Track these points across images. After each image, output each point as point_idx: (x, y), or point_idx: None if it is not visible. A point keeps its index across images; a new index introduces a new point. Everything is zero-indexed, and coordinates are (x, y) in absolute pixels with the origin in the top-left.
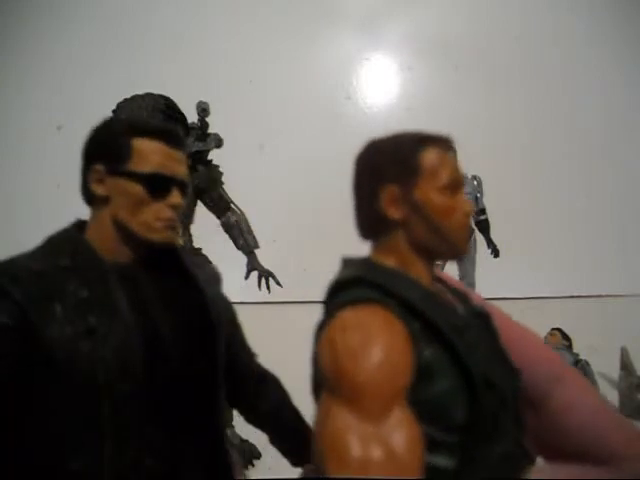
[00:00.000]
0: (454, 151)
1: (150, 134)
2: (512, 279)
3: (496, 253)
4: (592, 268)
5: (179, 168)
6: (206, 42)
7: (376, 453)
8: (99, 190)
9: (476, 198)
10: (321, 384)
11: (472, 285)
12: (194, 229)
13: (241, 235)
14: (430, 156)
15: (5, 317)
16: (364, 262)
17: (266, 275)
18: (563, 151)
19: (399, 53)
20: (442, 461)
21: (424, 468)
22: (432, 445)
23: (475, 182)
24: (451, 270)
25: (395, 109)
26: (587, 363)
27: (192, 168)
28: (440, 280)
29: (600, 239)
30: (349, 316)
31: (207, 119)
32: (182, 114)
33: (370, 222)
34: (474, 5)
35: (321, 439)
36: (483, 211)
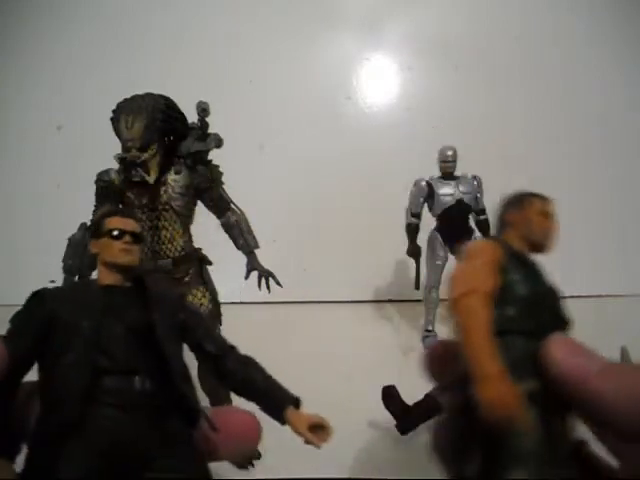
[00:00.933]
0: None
1: (111, 215)
2: None
3: None
4: (592, 268)
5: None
6: (206, 42)
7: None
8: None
9: (476, 198)
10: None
11: None
12: (194, 229)
13: (241, 235)
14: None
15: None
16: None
17: (266, 275)
18: (563, 151)
19: (399, 53)
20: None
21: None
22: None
23: (475, 182)
24: (451, 270)
25: (395, 109)
26: None
27: (192, 168)
28: None
29: (600, 239)
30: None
31: (207, 119)
32: (182, 114)
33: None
34: (474, 5)
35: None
36: (483, 211)
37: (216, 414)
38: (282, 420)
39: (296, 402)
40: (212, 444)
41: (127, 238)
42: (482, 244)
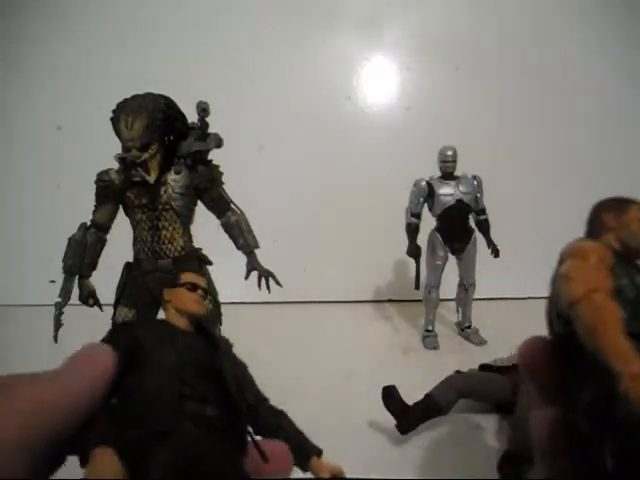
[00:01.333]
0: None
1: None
2: (512, 279)
3: (496, 253)
4: None
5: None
6: (206, 42)
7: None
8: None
9: (476, 198)
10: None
11: (472, 285)
12: (194, 229)
13: (241, 235)
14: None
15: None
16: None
17: (266, 275)
18: (563, 151)
19: (399, 53)
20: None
21: None
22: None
23: (475, 182)
24: (451, 270)
25: (395, 109)
26: None
27: (192, 168)
28: None
29: None
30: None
31: (207, 119)
32: (182, 114)
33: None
34: (474, 5)
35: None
36: (483, 211)
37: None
38: (305, 467)
39: (319, 452)
40: (254, 472)
41: (199, 292)
42: (592, 244)
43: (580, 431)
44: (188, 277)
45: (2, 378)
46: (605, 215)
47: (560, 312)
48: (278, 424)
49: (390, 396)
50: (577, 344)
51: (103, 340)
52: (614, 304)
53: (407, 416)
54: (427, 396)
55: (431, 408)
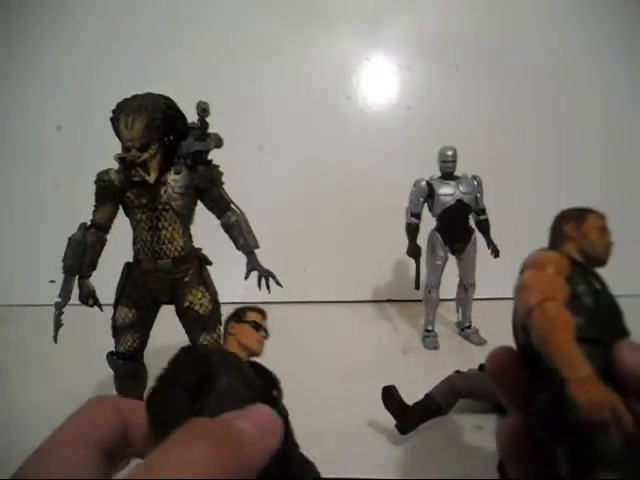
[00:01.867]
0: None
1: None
2: (512, 279)
3: (496, 253)
4: None
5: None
6: (206, 42)
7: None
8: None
9: (476, 198)
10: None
11: (472, 285)
12: (194, 229)
13: (241, 235)
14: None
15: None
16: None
17: (266, 275)
18: (564, 151)
19: (399, 53)
20: (578, 321)
21: None
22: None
23: (475, 182)
24: (451, 270)
25: (395, 109)
26: None
27: (192, 168)
28: None
29: None
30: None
31: (207, 119)
32: (182, 114)
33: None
34: (474, 5)
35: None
36: (483, 211)
37: None
38: None
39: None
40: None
41: (263, 332)
42: (550, 255)
43: (537, 436)
44: (255, 317)
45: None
46: (565, 225)
47: (520, 322)
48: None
49: (390, 396)
50: (535, 353)
51: (175, 361)
52: (566, 312)
53: (407, 416)
54: (427, 396)
55: (431, 408)
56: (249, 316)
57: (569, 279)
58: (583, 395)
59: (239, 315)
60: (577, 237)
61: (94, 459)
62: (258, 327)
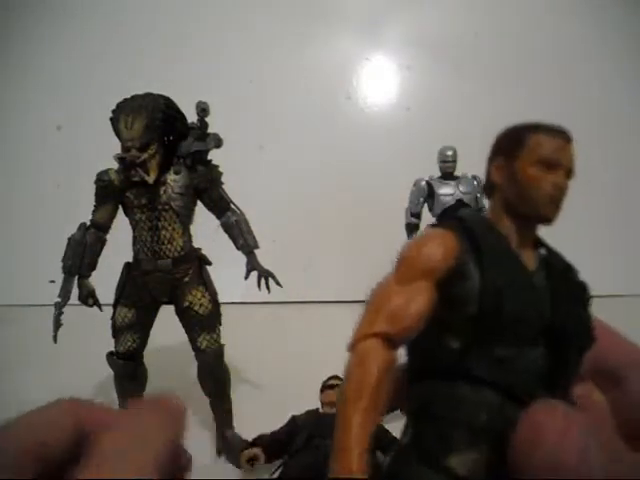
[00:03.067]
0: (566, 140)
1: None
2: None
3: None
4: (592, 268)
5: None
6: (206, 42)
7: (394, 302)
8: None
9: (476, 198)
10: None
11: None
12: (194, 229)
13: (241, 235)
14: (535, 137)
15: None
16: (473, 212)
17: (266, 275)
18: None
19: (399, 53)
20: (452, 342)
21: (434, 343)
22: (447, 327)
23: (475, 182)
24: None
25: (395, 109)
26: None
27: (192, 168)
28: (546, 250)
29: (600, 239)
30: (426, 231)
31: (207, 119)
32: (182, 114)
33: (485, 185)
34: (474, 5)
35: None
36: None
37: None
38: None
39: None
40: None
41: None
42: (413, 246)
43: None
44: (338, 381)
45: None
46: (492, 164)
47: None
48: None
49: None
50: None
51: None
52: (379, 361)
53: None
54: None
55: None
56: (332, 381)
57: (458, 272)
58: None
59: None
60: (504, 183)
61: (27, 468)
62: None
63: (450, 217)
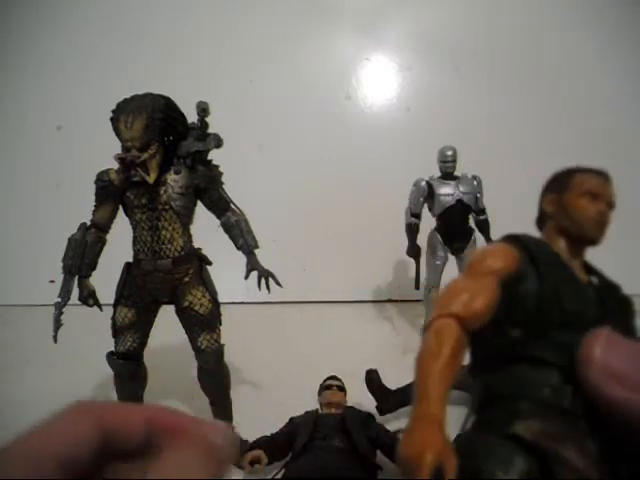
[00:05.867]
0: (606, 178)
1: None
2: None
3: None
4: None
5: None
6: (206, 42)
7: (466, 291)
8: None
9: (476, 198)
10: None
11: None
12: (194, 229)
13: (241, 235)
14: (581, 175)
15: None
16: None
17: (266, 275)
18: (564, 151)
19: (399, 53)
20: (513, 332)
21: (498, 332)
22: (508, 320)
23: (475, 182)
24: (451, 270)
25: (395, 109)
26: None
27: (192, 168)
28: (592, 267)
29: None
30: (493, 244)
31: (207, 119)
32: (182, 114)
33: (538, 218)
34: (474, 5)
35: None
36: (483, 211)
37: None
38: None
39: None
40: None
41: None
42: (483, 252)
43: None
44: (336, 382)
45: None
46: (544, 198)
47: None
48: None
49: (371, 380)
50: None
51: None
52: (454, 333)
53: (387, 399)
54: (411, 384)
55: (412, 394)
56: (330, 381)
57: (519, 276)
58: (405, 447)
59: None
60: (556, 212)
61: (52, 474)
62: (339, 388)
63: (508, 237)
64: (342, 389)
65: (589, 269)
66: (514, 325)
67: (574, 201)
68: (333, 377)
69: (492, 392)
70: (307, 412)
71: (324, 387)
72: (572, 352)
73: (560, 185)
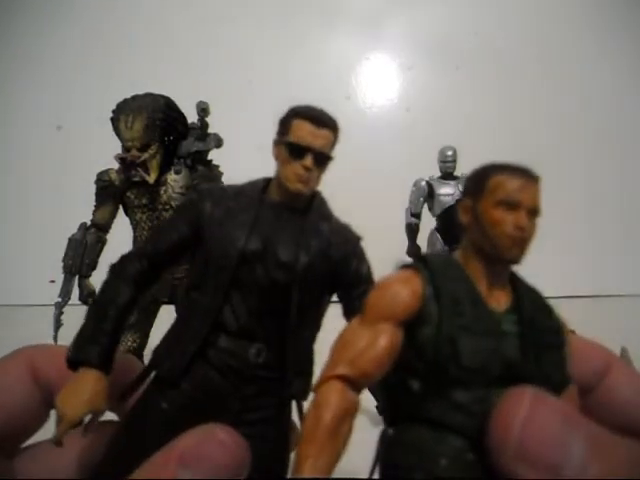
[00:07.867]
0: (528, 179)
1: (301, 116)
2: None
3: None
4: (592, 268)
5: (316, 141)
6: (206, 42)
7: (356, 345)
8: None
9: None
10: None
11: None
12: None
13: None
14: (495, 179)
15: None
16: (442, 254)
17: None
18: (564, 151)
19: (399, 52)
20: (413, 384)
21: (399, 383)
22: (408, 368)
23: None
24: None
25: (395, 109)
26: None
27: (192, 168)
28: (519, 285)
29: (600, 239)
30: (394, 273)
31: (207, 119)
32: (182, 114)
33: (459, 227)
34: (475, 5)
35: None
36: None
37: None
38: None
39: None
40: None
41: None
42: (381, 290)
43: None
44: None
45: None
46: (461, 206)
47: None
48: None
49: None
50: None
51: None
52: (336, 398)
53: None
54: None
55: None
56: None
57: (421, 317)
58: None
59: None
60: (470, 224)
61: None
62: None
63: (416, 261)
64: None
65: (515, 288)
66: (413, 376)
67: (487, 212)
68: None
69: (392, 454)
70: None
71: None
72: (473, 416)
73: (475, 188)
